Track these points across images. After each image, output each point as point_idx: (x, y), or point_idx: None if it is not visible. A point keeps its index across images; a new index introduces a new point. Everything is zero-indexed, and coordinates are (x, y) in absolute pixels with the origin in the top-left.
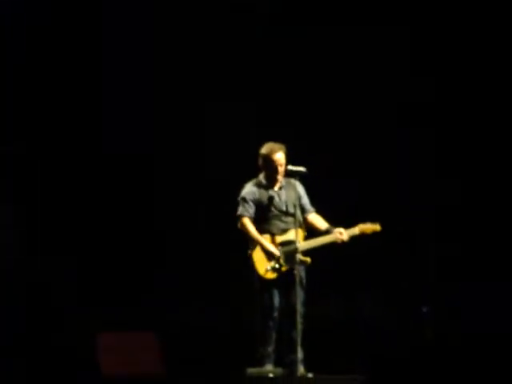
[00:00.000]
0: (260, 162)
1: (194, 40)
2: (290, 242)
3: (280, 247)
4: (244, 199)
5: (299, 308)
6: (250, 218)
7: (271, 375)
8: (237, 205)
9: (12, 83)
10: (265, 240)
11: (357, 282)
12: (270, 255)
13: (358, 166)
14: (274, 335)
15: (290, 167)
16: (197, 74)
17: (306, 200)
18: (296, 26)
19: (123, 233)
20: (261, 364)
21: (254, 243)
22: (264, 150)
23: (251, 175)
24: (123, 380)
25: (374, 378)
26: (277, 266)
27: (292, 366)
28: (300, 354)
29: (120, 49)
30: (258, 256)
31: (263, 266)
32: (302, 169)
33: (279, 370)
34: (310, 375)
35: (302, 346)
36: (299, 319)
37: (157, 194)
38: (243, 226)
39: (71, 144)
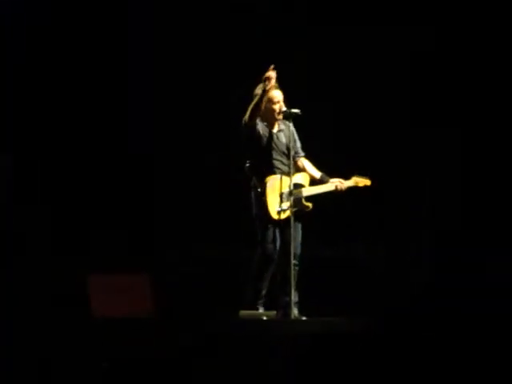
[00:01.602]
0: (255, 102)
1: (193, 39)
2: (299, 185)
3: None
4: (247, 141)
5: (296, 250)
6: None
7: (265, 318)
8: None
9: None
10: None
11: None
12: (282, 196)
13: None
14: (269, 277)
15: (285, 109)
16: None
17: (298, 143)
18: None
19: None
20: (252, 306)
21: (263, 183)
22: (258, 88)
23: None
24: (113, 321)
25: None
26: (288, 207)
27: (286, 308)
28: (294, 297)
29: (122, 47)
30: (270, 195)
31: (274, 206)
32: (296, 110)
33: (273, 313)
34: (304, 318)
35: (297, 288)
36: (296, 261)
37: None
38: (248, 170)
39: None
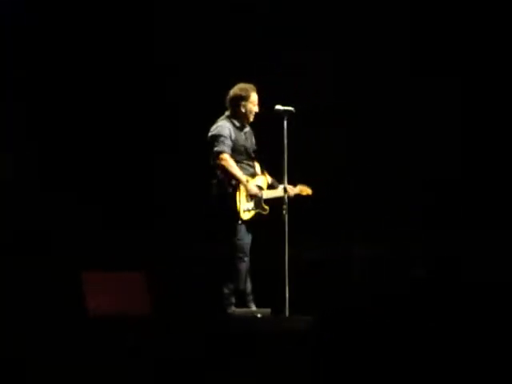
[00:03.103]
0: (233, 102)
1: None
2: (259, 188)
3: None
4: (223, 136)
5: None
6: (230, 155)
7: (259, 315)
8: (211, 140)
9: None
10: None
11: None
12: (251, 195)
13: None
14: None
15: (279, 107)
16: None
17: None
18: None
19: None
20: (232, 304)
21: (235, 181)
22: (239, 90)
23: None
24: (109, 319)
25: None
26: (252, 207)
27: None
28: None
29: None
30: (239, 194)
31: (241, 206)
32: (290, 108)
33: (267, 310)
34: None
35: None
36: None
37: None
38: (226, 162)
39: None
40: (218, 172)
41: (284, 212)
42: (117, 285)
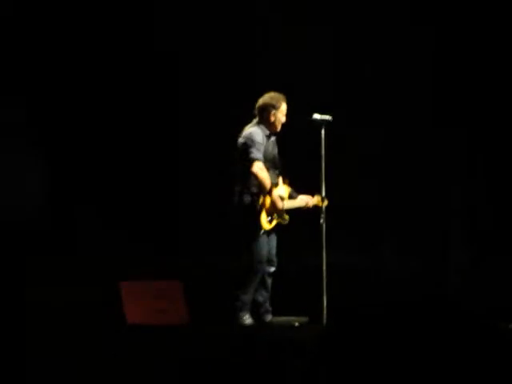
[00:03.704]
0: (263, 110)
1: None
2: (281, 198)
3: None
4: (258, 142)
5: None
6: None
7: (297, 324)
8: (245, 147)
9: None
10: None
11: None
12: (275, 207)
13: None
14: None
15: (316, 115)
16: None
17: None
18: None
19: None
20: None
21: (264, 191)
22: (270, 99)
23: None
24: (148, 329)
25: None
26: (274, 217)
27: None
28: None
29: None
30: (263, 204)
31: (265, 216)
32: (328, 117)
33: (305, 319)
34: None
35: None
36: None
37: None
38: (261, 170)
39: None
40: (246, 179)
41: (322, 220)
42: (154, 293)
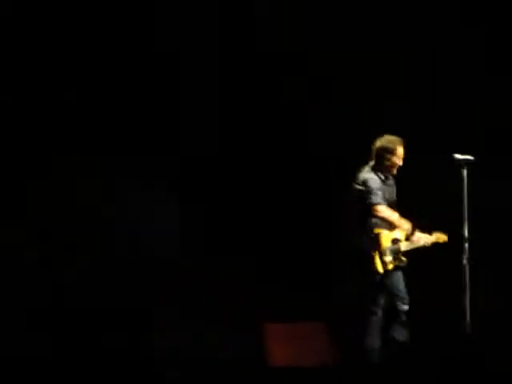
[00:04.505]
0: (380, 154)
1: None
2: (397, 241)
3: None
4: (375, 188)
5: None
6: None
7: None
8: (363, 193)
9: None
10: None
11: None
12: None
13: None
14: None
15: (458, 156)
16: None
17: None
18: None
19: None
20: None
21: (396, 225)
22: (388, 142)
23: None
24: (291, 371)
25: None
26: (390, 260)
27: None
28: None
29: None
30: (379, 248)
31: (379, 259)
32: (469, 157)
33: None
34: None
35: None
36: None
37: None
38: (385, 213)
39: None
40: (363, 224)
41: (464, 262)
42: (299, 335)
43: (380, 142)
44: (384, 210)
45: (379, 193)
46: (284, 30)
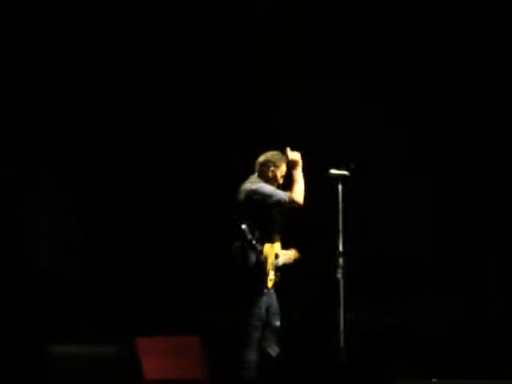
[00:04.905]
0: (264, 165)
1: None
2: (277, 255)
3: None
4: (273, 188)
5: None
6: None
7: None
8: (262, 199)
9: None
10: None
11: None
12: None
13: None
14: None
15: (334, 171)
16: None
17: None
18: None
19: None
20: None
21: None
22: (272, 156)
23: None
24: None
25: None
26: (273, 276)
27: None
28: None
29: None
30: (268, 264)
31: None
32: (345, 172)
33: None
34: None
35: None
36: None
37: None
38: (299, 196)
39: None
40: (251, 235)
41: (339, 276)
42: (172, 349)
43: (265, 156)
44: (296, 195)
45: (277, 190)
46: (284, 30)
